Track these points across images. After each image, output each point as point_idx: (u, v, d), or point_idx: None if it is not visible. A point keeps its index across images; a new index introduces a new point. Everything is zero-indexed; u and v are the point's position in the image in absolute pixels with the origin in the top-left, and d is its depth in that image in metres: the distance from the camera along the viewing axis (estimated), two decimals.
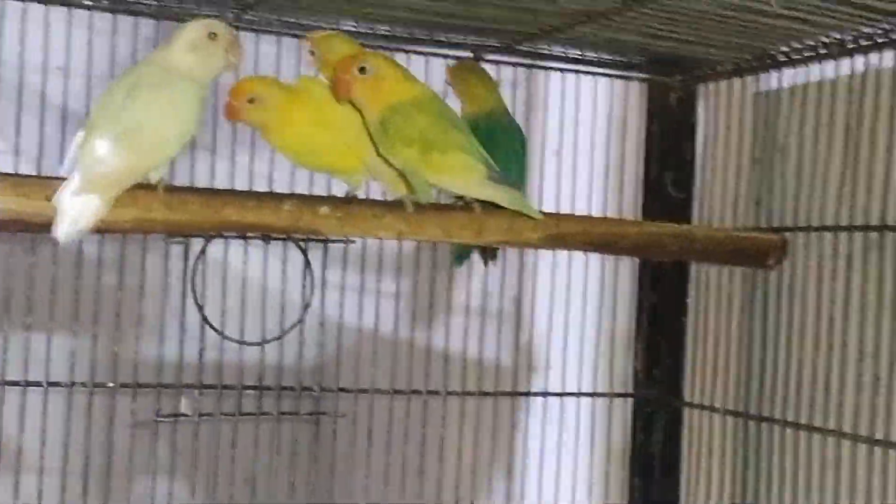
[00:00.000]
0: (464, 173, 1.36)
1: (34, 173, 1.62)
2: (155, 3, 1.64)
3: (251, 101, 1.41)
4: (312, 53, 1.48)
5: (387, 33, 1.74)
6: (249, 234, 1.73)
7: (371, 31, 1.74)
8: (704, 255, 1.64)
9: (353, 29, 1.73)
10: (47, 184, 1.26)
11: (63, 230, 1.19)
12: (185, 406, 1.76)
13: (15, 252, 1.60)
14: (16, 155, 1.68)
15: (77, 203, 1.19)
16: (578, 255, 1.80)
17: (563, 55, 1.83)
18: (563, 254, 1.80)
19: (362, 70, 1.37)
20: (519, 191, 1.42)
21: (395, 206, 1.42)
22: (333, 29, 1.68)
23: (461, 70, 1.63)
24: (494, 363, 1.89)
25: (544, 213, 1.50)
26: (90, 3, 1.63)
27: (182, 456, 1.78)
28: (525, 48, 1.80)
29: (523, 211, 1.37)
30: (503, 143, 1.56)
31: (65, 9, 1.63)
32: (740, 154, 1.79)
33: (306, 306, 1.78)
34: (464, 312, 1.88)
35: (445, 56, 1.77)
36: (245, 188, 1.63)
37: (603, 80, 1.88)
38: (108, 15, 1.65)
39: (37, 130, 1.67)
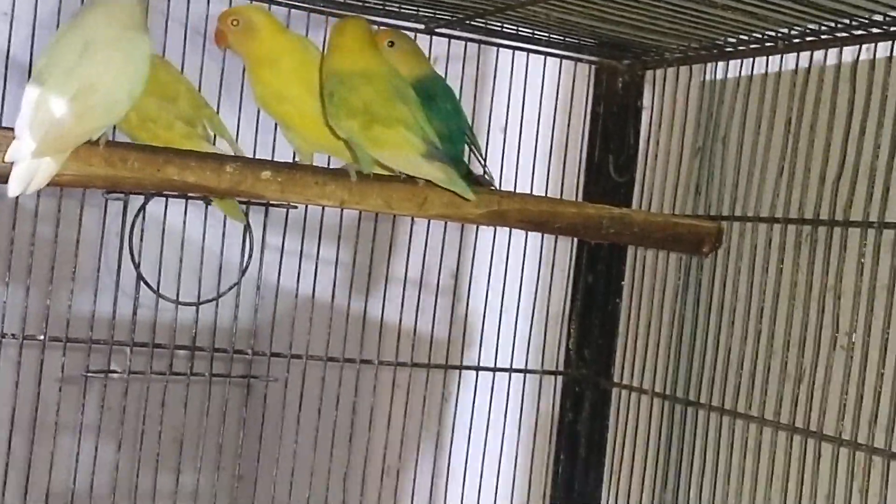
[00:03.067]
0: (401, 149, 1.36)
1: None
2: None
3: (235, 23, 1.42)
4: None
5: (340, 0, 1.74)
6: (190, 195, 1.72)
7: None
8: (641, 238, 1.66)
9: None
10: None
11: (17, 188, 1.19)
12: (115, 363, 1.75)
13: None
14: None
15: (32, 162, 1.18)
16: (518, 233, 1.82)
17: (514, 33, 1.83)
18: (502, 230, 1.81)
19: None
20: (457, 167, 1.41)
21: (338, 174, 1.42)
22: None
23: (388, 35, 1.62)
24: (429, 335, 1.90)
25: (488, 190, 1.51)
26: None
27: (110, 413, 1.77)
28: (477, 24, 1.80)
29: (456, 190, 1.37)
30: (444, 105, 1.56)
31: None
32: (683, 141, 1.82)
33: (244, 269, 1.78)
34: (402, 283, 1.89)
35: (397, 27, 1.76)
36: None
37: (552, 60, 1.89)
38: None
39: None
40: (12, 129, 1.22)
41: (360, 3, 1.75)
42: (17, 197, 1.50)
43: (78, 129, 1.20)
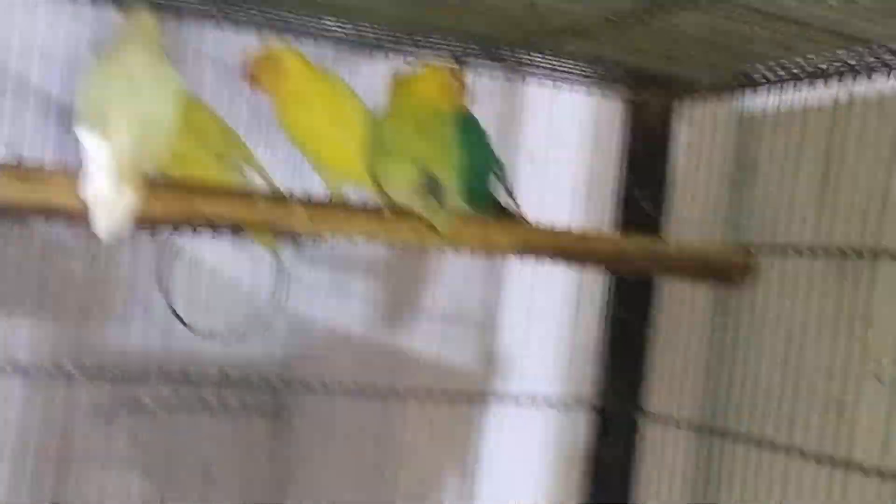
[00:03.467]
0: (396, 182, 1.36)
1: (10, 158, 1.60)
2: None
3: (264, 62, 1.44)
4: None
5: (369, 34, 1.74)
6: (222, 228, 1.72)
7: (354, 32, 1.73)
8: (673, 270, 1.65)
9: (337, 28, 1.72)
10: (23, 168, 1.25)
11: (105, 225, 1.20)
12: (145, 396, 1.75)
13: None
14: None
15: (112, 197, 1.19)
16: (550, 265, 1.81)
17: (545, 65, 1.83)
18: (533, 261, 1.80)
19: None
20: (480, 200, 1.40)
21: (369, 207, 1.42)
22: (316, 28, 1.69)
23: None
24: (459, 367, 1.89)
25: (520, 223, 1.50)
26: None
27: (139, 446, 1.77)
28: (507, 56, 1.80)
29: (432, 221, 1.36)
30: (469, 137, 1.56)
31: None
32: (715, 173, 1.81)
33: (275, 302, 1.77)
34: (431, 316, 1.88)
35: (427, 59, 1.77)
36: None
37: (582, 92, 1.88)
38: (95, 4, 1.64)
39: (11, 115, 1.65)
40: (60, 167, 1.23)
41: (391, 38, 1.75)
42: (51, 231, 1.52)
43: (145, 158, 1.22)
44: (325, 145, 1.48)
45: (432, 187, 1.35)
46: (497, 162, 1.59)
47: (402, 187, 1.36)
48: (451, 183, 1.37)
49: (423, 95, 1.42)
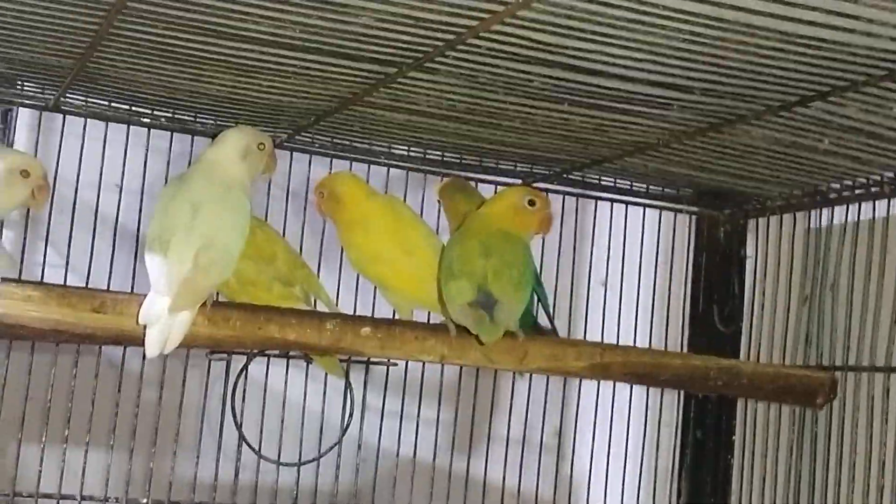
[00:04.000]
0: (452, 300, 1.35)
1: (83, 286, 1.63)
2: (212, 122, 1.67)
3: (322, 194, 1.48)
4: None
5: (437, 158, 1.76)
6: (291, 353, 1.73)
7: (421, 156, 1.75)
8: (751, 390, 1.60)
9: (405, 153, 1.75)
10: (94, 295, 1.27)
11: (157, 346, 1.21)
12: None
13: (57, 363, 1.60)
14: (66, 268, 1.70)
15: (166, 322, 1.21)
16: (622, 387, 1.78)
17: (613, 185, 1.83)
18: (606, 385, 1.77)
19: None
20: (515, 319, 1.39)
21: (438, 329, 1.41)
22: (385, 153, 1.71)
23: (449, 189, 1.63)
24: (533, 494, 1.85)
25: (590, 342, 1.49)
26: (149, 120, 1.67)
27: None
28: (574, 177, 1.80)
29: (476, 332, 1.34)
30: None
31: (124, 126, 1.67)
32: (790, 290, 1.77)
33: (345, 429, 1.76)
34: (504, 442, 1.85)
35: (495, 183, 1.78)
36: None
37: (651, 210, 1.88)
38: (165, 133, 1.69)
39: (88, 244, 1.69)
40: (129, 294, 1.25)
41: (458, 161, 1.77)
42: (124, 359, 1.53)
43: (204, 283, 1.24)
44: (390, 269, 1.48)
45: (485, 302, 1.34)
46: (536, 279, 1.57)
47: (458, 302, 1.35)
48: (507, 300, 1.36)
49: (498, 215, 1.43)
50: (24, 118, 1.76)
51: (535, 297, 1.57)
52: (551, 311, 1.62)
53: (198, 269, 1.22)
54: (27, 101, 1.64)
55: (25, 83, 1.58)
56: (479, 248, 1.38)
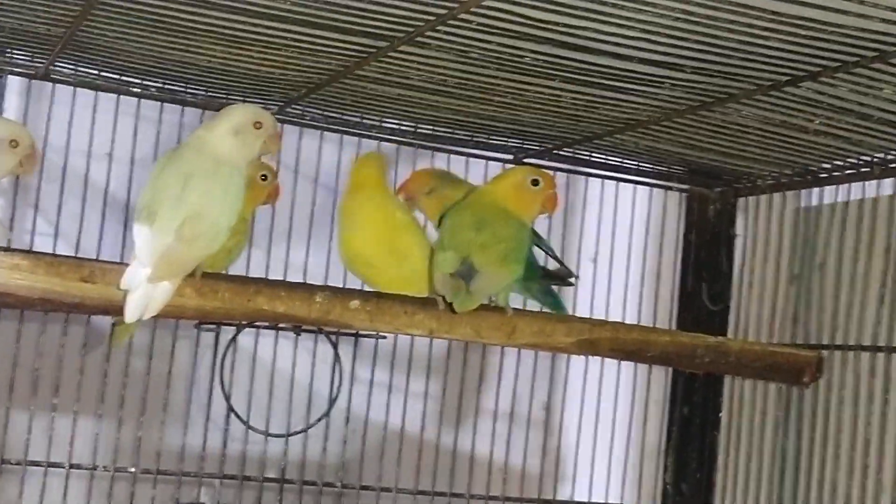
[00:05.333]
0: (435, 269, 1.36)
1: (72, 255, 1.63)
2: (202, 93, 1.67)
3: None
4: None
5: (428, 132, 1.76)
6: (281, 325, 1.73)
7: (412, 130, 1.75)
8: (738, 368, 1.61)
9: (396, 126, 1.74)
10: (82, 265, 1.27)
11: (136, 314, 1.21)
12: (204, 495, 1.74)
13: (46, 332, 1.61)
14: (56, 236, 1.70)
15: (147, 289, 1.21)
16: (610, 363, 1.79)
17: (603, 162, 1.83)
18: (595, 361, 1.78)
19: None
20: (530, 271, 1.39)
21: (427, 303, 1.41)
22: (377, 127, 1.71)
23: (435, 180, 1.58)
24: (521, 468, 1.86)
25: (579, 318, 1.49)
26: (138, 90, 1.66)
27: None
28: (565, 153, 1.80)
29: (454, 304, 1.35)
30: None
31: (114, 96, 1.67)
32: (778, 269, 1.78)
33: (333, 400, 1.77)
34: (492, 415, 1.86)
35: (486, 158, 1.78)
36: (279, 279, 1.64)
37: (642, 188, 1.88)
38: (155, 103, 1.68)
39: (78, 213, 1.69)
40: (118, 263, 1.25)
41: (450, 136, 1.77)
42: (112, 329, 1.53)
43: (188, 255, 1.23)
44: (379, 272, 1.48)
45: (465, 273, 1.34)
46: (537, 235, 1.57)
47: (440, 272, 1.36)
48: (489, 272, 1.36)
49: (500, 193, 1.42)
50: (13, 86, 1.76)
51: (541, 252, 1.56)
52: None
53: (181, 240, 1.22)
54: (16, 70, 1.63)
55: (15, 51, 1.58)
56: (471, 221, 1.38)
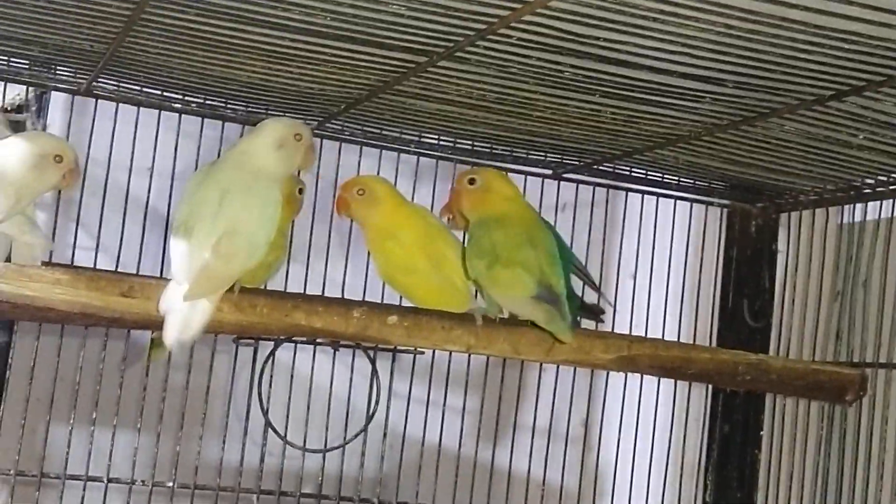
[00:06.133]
0: (512, 289, 1.35)
1: (113, 269, 1.64)
2: (242, 109, 1.68)
3: (360, 192, 1.44)
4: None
5: (467, 147, 1.76)
6: (319, 340, 1.73)
7: (451, 144, 1.75)
8: (780, 386, 1.59)
9: (435, 142, 1.74)
10: (122, 279, 1.27)
11: (176, 335, 1.21)
12: None
13: (86, 346, 1.62)
14: (97, 251, 1.71)
15: (186, 308, 1.20)
16: (650, 380, 1.77)
17: (644, 177, 1.82)
18: (634, 377, 1.76)
19: (471, 182, 1.41)
20: (569, 310, 1.37)
21: (464, 318, 1.41)
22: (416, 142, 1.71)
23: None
24: (559, 485, 1.85)
25: (618, 335, 1.48)
26: (179, 106, 1.67)
27: None
28: (605, 168, 1.79)
29: (552, 330, 1.34)
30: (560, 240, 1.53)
31: (155, 111, 1.68)
32: (821, 285, 1.76)
33: (371, 416, 1.76)
34: (530, 432, 1.85)
35: (525, 173, 1.77)
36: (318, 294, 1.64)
37: (682, 203, 1.87)
38: (196, 118, 1.69)
39: (118, 227, 1.70)
40: (158, 278, 1.26)
41: (489, 150, 1.76)
42: (151, 344, 1.54)
43: (225, 272, 1.23)
44: (420, 281, 1.47)
45: (549, 298, 1.33)
46: (575, 258, 1.56)
47: (518, 294, 1.34)
48: (563, 295, 1.35)
49: (511, 201, 1.41)
50: (57, 102, 1.78)
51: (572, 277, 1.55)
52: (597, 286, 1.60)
53: (218, 256, 1.22)
54: (60, 86, 1.65)
55: (59, 67, 1.59)
56: (525, 236, 1.37)
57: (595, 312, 1.57)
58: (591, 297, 1.59)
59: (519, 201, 1.44)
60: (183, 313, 1.21)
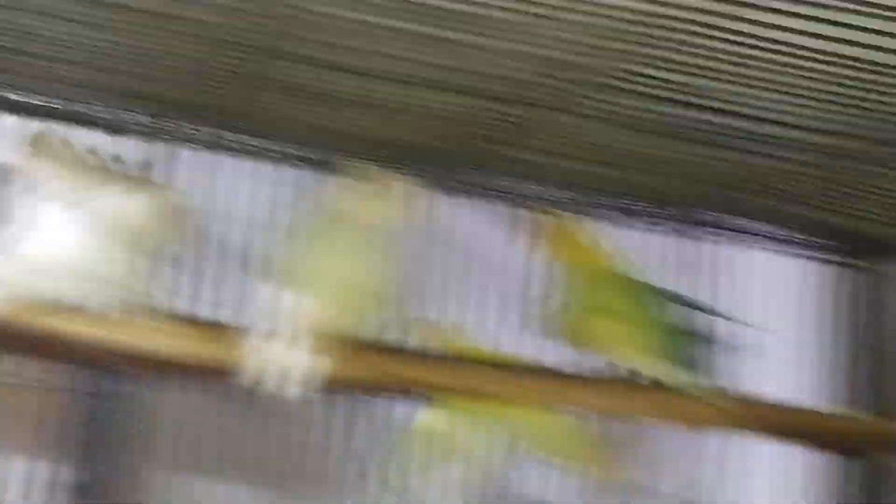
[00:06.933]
0: (632, 347, 1.32)
1: (215, 319, 1.65)
2: (357, 162, 1.69)
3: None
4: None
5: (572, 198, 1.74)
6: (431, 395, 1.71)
7: (554, 198, 1.73)
8: None
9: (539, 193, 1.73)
10: (226, 330, 1.28)
11: (279, 387, 1.22)
12: None
13: (198, 402, 1.62)
14: (194, 301, 1.72)
15: (303, 363, 1.22)
16: (769, 446, 1.72)
17: (755, 231, 1.79)
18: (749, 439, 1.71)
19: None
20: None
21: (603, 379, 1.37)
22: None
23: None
24: None
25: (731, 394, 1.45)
26: (297, 162, 1.70)
27: None
28: (708, 218, 1.77)
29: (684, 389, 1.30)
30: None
31: (251, 161, 1.70)
32: None
33: (505, 479, 1.73)
34: (645, 494, 1.80)
35: (629, 226, 1.75)
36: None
37: (795, 258, 1.83)
38: (313, 172, 1.71)
39: (214, 278, 1.71)
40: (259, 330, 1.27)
41: (569, 198, 1.73)
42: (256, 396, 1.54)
43: (335, 325, 1.24)
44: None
45: (681, 356, 1.30)
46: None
47: (647, 355, 1.32)
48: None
49: (590, 252, 1.39)
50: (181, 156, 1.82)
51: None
52: None
53: (327, 309, 1.23)
54: (184, 140, 1.70)
55: (183, 123, 1.64)
56: (623, 289, 1.35)
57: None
58: None
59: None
60: (300, 367, 1.21)
